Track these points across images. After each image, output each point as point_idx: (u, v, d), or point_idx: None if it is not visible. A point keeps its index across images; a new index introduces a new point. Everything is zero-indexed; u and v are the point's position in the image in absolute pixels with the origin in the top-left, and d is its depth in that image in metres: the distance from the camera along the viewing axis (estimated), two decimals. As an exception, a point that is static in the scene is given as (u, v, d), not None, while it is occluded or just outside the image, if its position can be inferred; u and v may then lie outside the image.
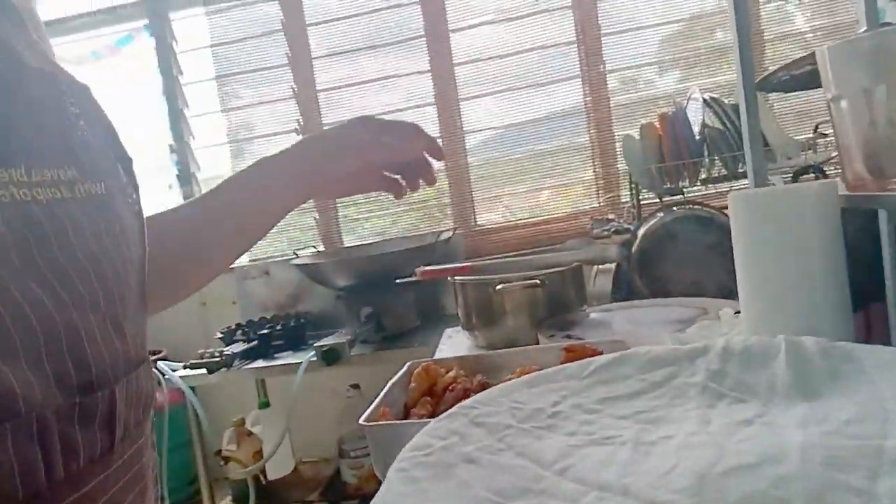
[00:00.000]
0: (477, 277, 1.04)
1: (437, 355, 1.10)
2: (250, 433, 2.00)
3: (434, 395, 0.73)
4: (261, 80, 2.41)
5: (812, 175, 1.52)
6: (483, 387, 0.73)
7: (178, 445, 2.14)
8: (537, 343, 0.94)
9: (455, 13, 2.22)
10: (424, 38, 2.24)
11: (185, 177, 2.46)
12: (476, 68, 2.24)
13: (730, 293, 1.53)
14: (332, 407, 1.97)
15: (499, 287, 0.99)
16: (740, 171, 1.62)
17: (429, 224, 2.34)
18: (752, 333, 0.62)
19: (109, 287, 0.39)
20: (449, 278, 1.10)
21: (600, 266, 1.33)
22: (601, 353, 0.74)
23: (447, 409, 0.71)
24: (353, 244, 2.37)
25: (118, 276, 0.40)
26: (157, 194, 2.50)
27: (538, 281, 0.98)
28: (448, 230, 1.95)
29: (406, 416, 0.71)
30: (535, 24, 2.17)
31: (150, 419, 0.44)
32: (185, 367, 1.76)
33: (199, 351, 1.77)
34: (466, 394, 0.72)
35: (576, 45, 2.14)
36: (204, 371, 1.72)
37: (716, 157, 1.61)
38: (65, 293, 0.35)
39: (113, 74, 2.46)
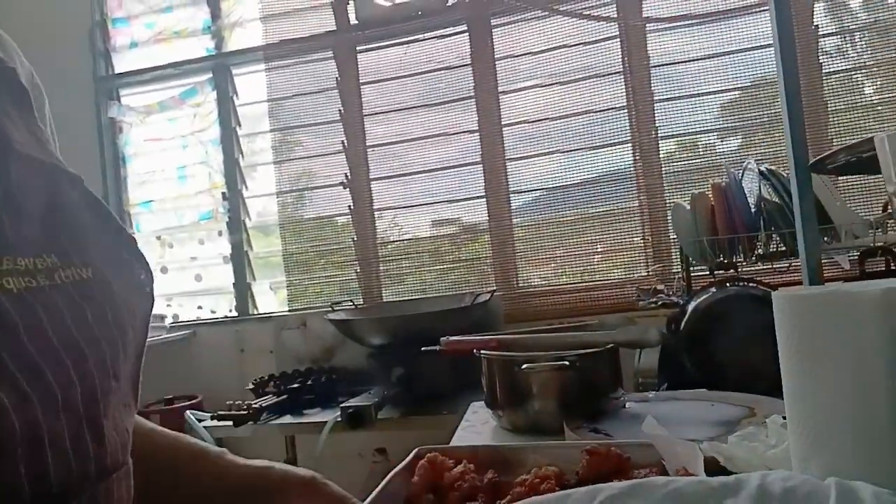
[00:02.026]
0: (502, 353, 0.98)
1: (458, 433, 1.03)
2: (273, 490, 1.94)
3: (439, 490, 0.67)
4: (313, 134, 2.47)
5: (882, 258, 1.40)
6: (493, 486, 0.66)
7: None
8: (563, 432, 0.86)
9: (505, 75, 2.23)
10: (474, 99, 2.25)
11: (235, 224, 2.51)
12: (524, 129, 2.23)
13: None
14: (358, 471, 1.89)
15: (524, 366, 0.92)
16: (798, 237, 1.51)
17: (472, 282, 2.29)
18: (799, 456, 0.54)
19: (92, 381, 0.35)
20: (475, 351, 1.04)
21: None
22: (627, 459, 0.66)
23: (450, 511, 0.65)
24: (393, 299, 2.35)
25: (104, 368, 0.36)
26: (210, 242, 2.57)
27: (567, 362, 0.91)
28: (487, 292, 1.89)
29: (406, 512, 0.65)
30: (585, 89, 2.14)
31: None
32: (212, 418, 1.74)
33: (228, 402, 1.75)
34: (474, 493, 0.66)
35: (626, 111, 2.10)
36: (230, 423, 1.69)
37: (773, 232, 1.51)
38: (32, 390, 0.31)
39: (177, 124, 2.57)
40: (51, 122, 0.47)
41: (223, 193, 2.52)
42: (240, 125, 2.53)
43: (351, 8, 2.33)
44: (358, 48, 2.37)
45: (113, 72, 2.64)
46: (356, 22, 2.33)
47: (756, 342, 1.39)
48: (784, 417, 0.68)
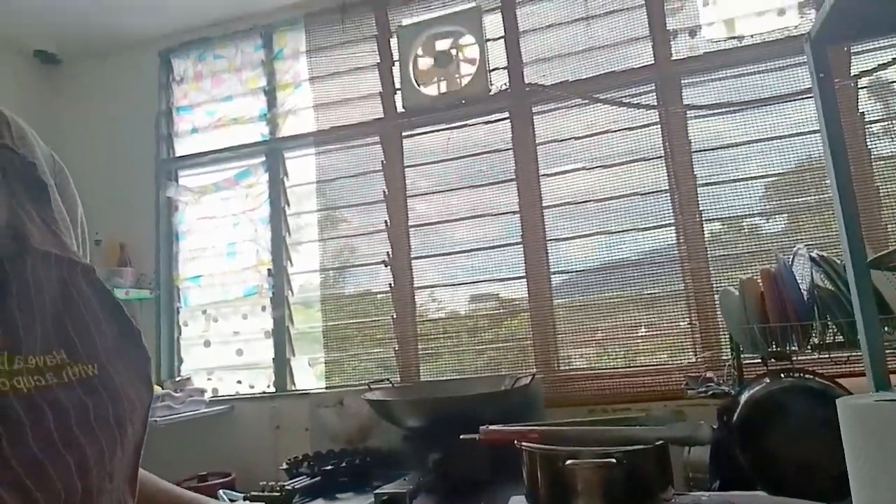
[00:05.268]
0: (545, 447, 0.94)
1: (498, 531, 0.98)
2: (303, 579, 1.86)
3: None
4: (357, 212, 2.54)
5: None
6: None
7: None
8: (610, 536, 0.81)
9: (547, 159, 2.28)
10: (515, 182, 2.29)
11: (279, 299, 2.56)
12: (565, 210, 2.24)
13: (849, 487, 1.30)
14: (390, 560, 1.81)
15: (568, 462, 0.88)
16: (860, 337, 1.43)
17: (511, 361, 2.24)
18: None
19: (91, 480, 0.36)
20: (515, 443, 1.01)
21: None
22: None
23: None
24: (431, 377, 2.32)
25: (102, 466, 0.37)
26: (254, 317, 2.61)
27: (614, 459, 0.87)
28: (527, 374, 1.85)
29: None
30: (626, 172, 2.16)
31: None
32: (244, 499, 1.71)
33: (262, 483, 1.72)
34: None
35: (668, 193, 2.10)
36: (263, 506, 1.65)
37: (829, 322, 1.45)
38: (39, 492, 0.32)
39: (229, 203, 2.69)
40: (77, 201, 0.49)
41: (269, 270, 2.59)
42: (289, 204, 2.63)
43: (398, 97, 2.45)
44: (403, 133, 2.47)
45: (174, 155, 2.81)
46: (403, 110, 2.44)
47: (815, 438, 1.31)
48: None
